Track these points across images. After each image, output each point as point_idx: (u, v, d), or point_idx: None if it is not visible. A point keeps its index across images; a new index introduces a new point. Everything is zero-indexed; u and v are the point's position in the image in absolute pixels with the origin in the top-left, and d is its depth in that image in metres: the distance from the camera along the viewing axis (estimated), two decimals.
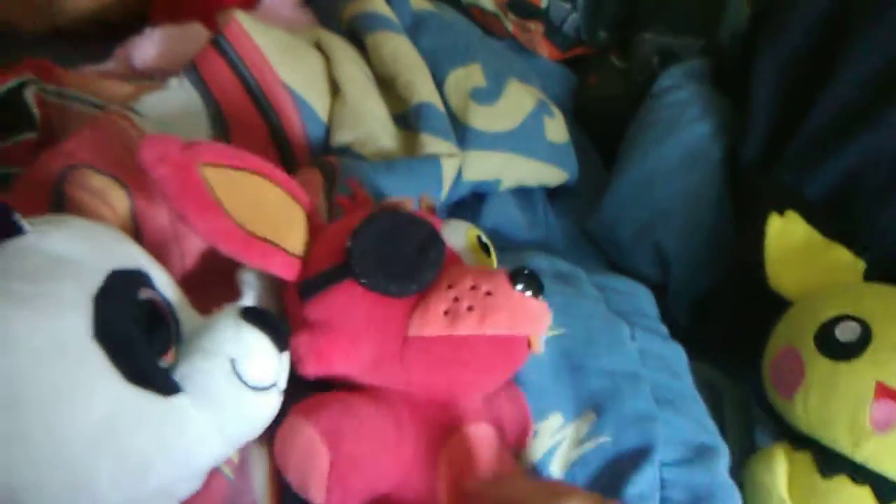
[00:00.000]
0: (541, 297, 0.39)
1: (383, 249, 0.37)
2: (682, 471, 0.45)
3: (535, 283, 0.38)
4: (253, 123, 0.58)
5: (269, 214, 0.38)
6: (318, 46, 0.64)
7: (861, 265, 0.54)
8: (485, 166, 0.63)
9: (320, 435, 0.34)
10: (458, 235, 0.42)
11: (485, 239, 0.43)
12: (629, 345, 0.50)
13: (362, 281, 0.36)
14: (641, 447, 0.45)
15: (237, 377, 0.28)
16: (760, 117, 0.63)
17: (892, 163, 0.55)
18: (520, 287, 0.37)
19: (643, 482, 0.44)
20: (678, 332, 0.57)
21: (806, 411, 0.48)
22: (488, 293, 0.37)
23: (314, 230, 0.40)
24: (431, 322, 0.37)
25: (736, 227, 0.63)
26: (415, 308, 0.37)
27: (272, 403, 0.30)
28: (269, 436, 0.38)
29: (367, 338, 0.37)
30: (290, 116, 0.59)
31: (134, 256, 0.30)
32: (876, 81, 0.56)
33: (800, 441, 0.49)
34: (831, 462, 0.47)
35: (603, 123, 0.80)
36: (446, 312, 0.37)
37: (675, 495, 0.44)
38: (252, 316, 0.29)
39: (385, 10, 0.67)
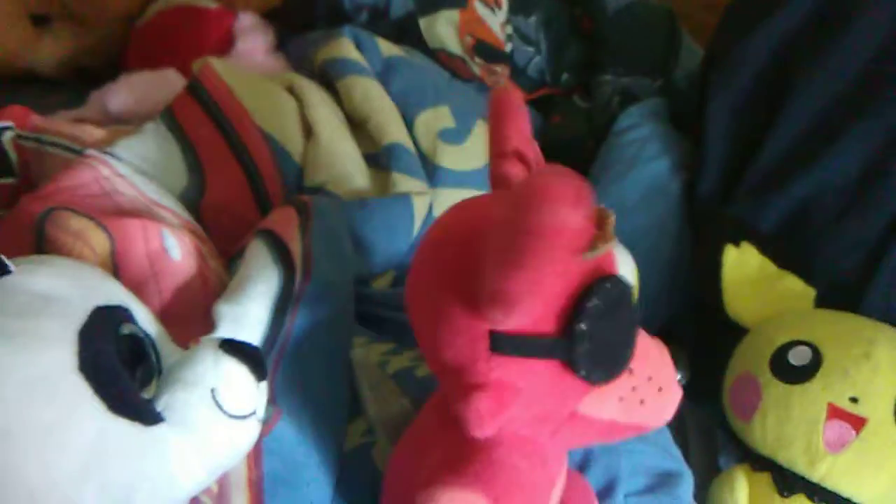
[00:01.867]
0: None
1: (607, 331, 0.33)
2: (646, 499, 0.46)
3: (683, 370, 0.39)
4: (228, 167, 0.60)
5: None
6: (291, 90, 0.66)
7: (812, 292, 0.56)
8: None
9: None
10: (628, 268, 0.36)
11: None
12: None
13: (580, 374, 0.32)
14: (607, 482, 0.46)
15: (217, 406, 0.30)
16: (715, 154, 0.66)
17: (838, 196, 0.58)
18: (678, 378, 0.38)
19: None
20: None
21: (763, 434, 0.50)
22: (660, 389, 0.36)
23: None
24: (606, 407, 0.35)
25: (693, 259, 0.66)
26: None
27: (251, 432, 0.31)
28: (250, 464, 0.40)
29: (540, 406, 0.34)
30: (264, 159, 0.61)
31: (116, 293, 0.31)
32: (820, 121, 0.60)
33: (759, 463, 0.51)
34: (789, 482, 0.49)
35: (567, 161, 0.82)
36: (621, 399, 0.35)
37: None
38: (230, 347, 0.31)
39: (356, 55, 0.69)
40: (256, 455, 0.39)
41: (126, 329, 0.30)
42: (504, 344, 0.32)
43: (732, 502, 0.50)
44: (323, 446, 0.42)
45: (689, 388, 0.62)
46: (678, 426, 0.61)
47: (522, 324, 0.32)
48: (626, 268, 0.35)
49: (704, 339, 0.63)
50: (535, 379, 0.33)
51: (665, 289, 0.67)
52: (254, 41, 0.78)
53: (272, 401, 0.41)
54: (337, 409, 0.45)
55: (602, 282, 0.32)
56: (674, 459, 0.49)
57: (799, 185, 0.60)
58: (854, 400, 0.47)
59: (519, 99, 0.40)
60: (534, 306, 0.31)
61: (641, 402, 0.35)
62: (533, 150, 0.40)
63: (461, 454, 0.34)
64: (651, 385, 0.36)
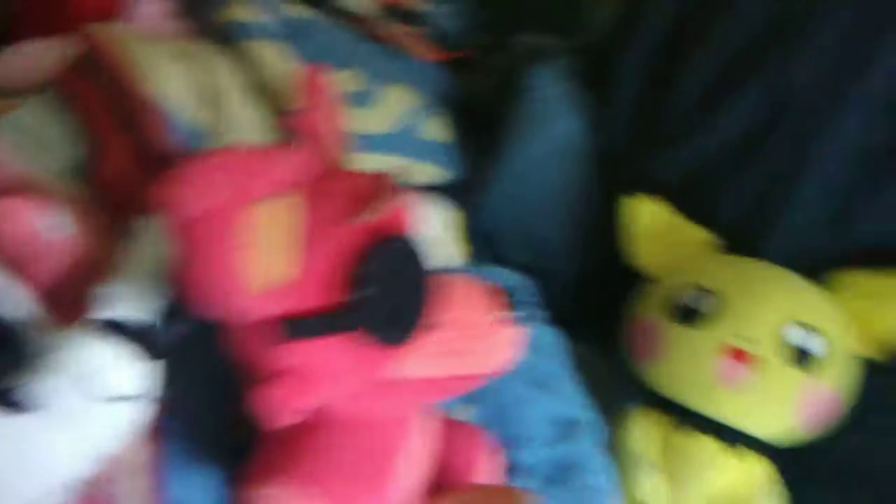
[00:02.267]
0: (519, 319, 0.37)
1: (390, 294, 0.32)
2: (552, 447, 0.48)
3: (517, 309, 0.37)
4: (122, 137, 0.58)
5: (284, 245, 0.31)
6: (190, 55, 0.64)
7: (712, 240, 0.59)
8: (365, 168, 0.64)
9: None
10: (438, 221, 0.40)
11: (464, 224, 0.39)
12: None
13: (374, 337, 0.32)
14: (516, 430, 0.48)
15: (93, 389, 0.29)
16: (621, 110, 0.68)
17: (736, 147, 0.60)
18: (505, 317, 0.36)
19: (518, 462, 0.46)
20: (557, 317, 0.61)
21: (662, 375, 0.52)
22: (476, 335, 0.36)
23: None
24: (416, 366, 0.34)
25: (603, 214, 0.67)
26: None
27: (134, 413, 0.31)
28: (147, 446, 0.39)
29: (347, 381, 0.34)
30: (159, 129, 0.59)
31: None
32: (718, 78, 0.61)
33: (660, 403, 0.53)
34: (687, 419, 0.51)
35: (482, 122, 0.83)
36: (431, 354, 0.35)
37: (546, 471, 0.47)
38: (109, 327, 0.30)
39: (259, 18, 0.67)
40: (152, 436, 0.39)
41: None
42: (292, 328, 0.32)
43: (634, 442, 0.52)
44: (219, 428, 0.41)
45: (603, 342, 0.65)
46: (590, 378, 0.63)
47: (305, 304, 0.31)
48: (429, 221, 0.35)
49: (615, 290, 0.64)
50: (333, 356, 0.32)
51: (576, 245, 0.68)
52: (150, 7, 0.75)
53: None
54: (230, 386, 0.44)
55: (378, 245, 0.31)
56: (578, 407, 0.51)
57: (700, 138, 0.62)
58: (745, 338, 0.49)
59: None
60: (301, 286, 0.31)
61: (456, 352, 0.35)
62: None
63: (278, 448, 0.34)
64: (463, 334, 0.35)
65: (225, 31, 0.67)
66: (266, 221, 0.28)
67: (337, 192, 0.34)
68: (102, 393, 0.29)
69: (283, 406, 0.32)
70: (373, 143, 0.64)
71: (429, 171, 0.70)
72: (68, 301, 0.38)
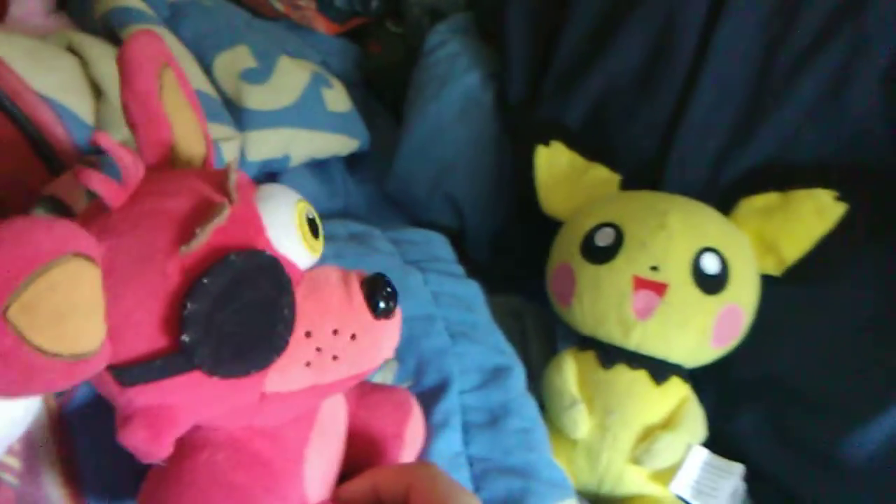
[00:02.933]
0: (396, 308, 0.35)
1: (228, 325, 0.29)
2: (478, 394, 0.48)
3: (393, 297, 0.34)
4: (10, 140, 0.56)
5: (79, 313, 0.27)
6: (72, 49, 0.62)
7: (617, 178, 0.60)
8: (268, 145, 0.63)
9: None
10: (285, 219, 0.33)
11: (312, 214, 0.35)
12: (422, 289, 0.53)
13: (215, 375, 0.29)
14: (439, 381, 0.48)
15: None
16: (518, 59, 0.68)
17: (630, 83, 0.61)
18: (381, 309, 0.33)
19: (443, 412, 0.46)
20: (480, 271, 0.61)
21: (582, 315, 0.53)
22: (353, 336, 0.33)
23: (110, 286, 0.29)
24: (294, 378, 0.32)
25: (514, 165, 0.68)
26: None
27: (26, 402, 0.30)
28: (60, 441, 0.38)
29: (214, 407, 0.32)
30: (51, 126, 0.57)
31: None
32: (603, 15, 0.62)
33: (584, 343, 0.55)
34: (610, 355, 0.53)
35: (391, 88, 0.83)
36: (308, 364, 0.32)
37: (474, 418, 0.47)
38: None
39: (138, 3, 0.65)
40: (64, 429, 0.38)
41: None
42: (126, 376, 0.29)
43: (561, 382, 0.53)
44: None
45: (527, 291, 0.66)
46: (519, 327, 0.64)
47: (132, 351, 0.29)
48: (283, 219, 0.32)
49: (535, 238, 0.65)
50: (184, 391, 0.30)
51: (491, 200, 0.69)
52: (29, 3, 0.72)
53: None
54: None
55: (202, 279, 0.28)
56: (504, 355, 0.51)
57: (594, 78, 0.62)
58: (655, 268, 0.51)
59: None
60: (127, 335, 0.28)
61: (335, 357, 0.32)
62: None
63: (160, 472, 0.33)
64: (339, 338, 0.32)
65: (105, 20, 0.65)
66: (29, 309, 0.24)
67: (157, 216, 0.30)
68: None
69: (146, 445, 0.30)
70: (274, 118, 0.63)
71: (337, 142, 0.70)
72: None
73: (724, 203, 0.56)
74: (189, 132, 0.36)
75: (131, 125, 0.34)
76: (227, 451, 0.34)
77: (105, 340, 0.28)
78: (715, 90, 0.58)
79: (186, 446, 0.34)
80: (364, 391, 0.42)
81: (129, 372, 0.29)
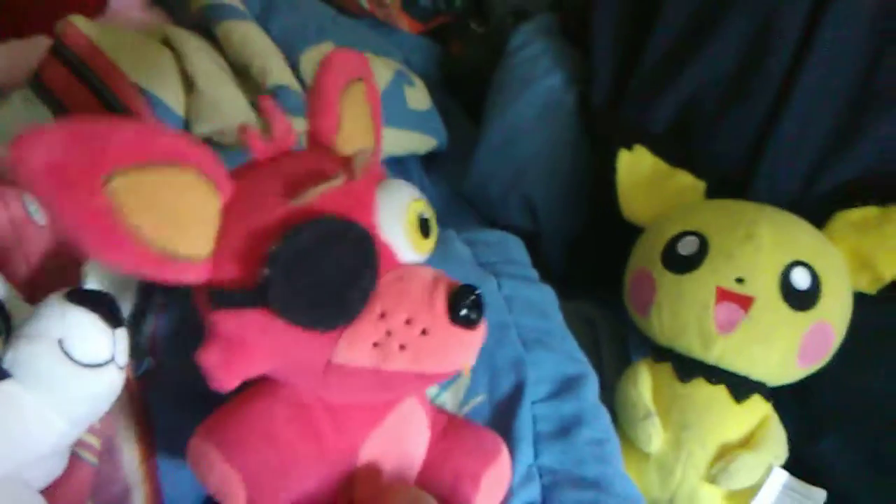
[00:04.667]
0: (479, 321, 0.35)
1: (305, 276, 0.31)
2: (551, 404, 0.47)
3: (476, 310, 0.34)
4: None
5: (182, 218, 0.31)
6: (167, 43, 0.64)
7: (701, 185, 0.58)
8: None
9: (237, 473, 0.32)
10: (397, 209, 0.34)
11: (427, 214, 0.36)
12: (495, 295, 0.53)
13: (282, 318, 0.31)
14: (514, 392, 0.47)
15: (66, 356, 0.29)
16: (603, 62, 0.67)
17: (719, 89, 0.59)
18: (460, 315, 0.33)
19: (519, 425, 0.45)
20: (555, 276, 0.60)
21: (661, 325, 0.51)
22: (424, 332, 0.33)
23: (227, 214, 0.32)
24: (359, 355, 0.33)
25: (594, 168, 0.66)
26: (342, 332, 0.33)
27: (110, 379, 0.31)
28: (140, 419, 0.39)
29: (285, 356, 0.34)
30: (144, 116, 0.59)
31: None
32: (694, 20, 0.60)
33: (661, 354, 0.53)
34: (688, 368, 0.51)
35: (472, 88, 0.82)
36: (376, 345, 0.33)
37: (546, 427, 0.46)
38: (77, 296, 0.30)
39: None
40: (143, 409, 0.39)
41: None
42: (215, 298, 0.32)
43: (637, 395, 0.51)
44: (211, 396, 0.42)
45: (602, 298, 0.65)
46: (592, 335, 0.63)
47: (226, 276, 0.31)
48: (394, 207, 0.34)
49: (611, 247, 0.64)
50: (260, 330, 0.32)
51: (568, 203, 0.68)
52: None
53: (153, 352, 0.40)
54: None
55: (294, 227, 0.31)
56: (578, 364, 0.50)
57: (682, 82, 0.60)
58: (740, 280, 0.49)
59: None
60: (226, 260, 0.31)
61: (402, 347, 0.33)
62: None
63: (223, 408, 0.35)
64: (410, 329, 0.33)
65: (199, 15, 0.67)
66: (134, 189, 0.28)
67: (288, 171, 0.34)
68: (78, 359, 0.29)
69: (216, 370, 0.32)
70: None
71: (416, 140, 0.70)
72: (47, 280, 0.38)
73: (817, 215, 0.53)
74: (356, 138, 0.39)
75: (308, 113, 0.38)
76: (288, 407, 0.35)
77: (203, 257, 0.31)
78: (812, 97, 0.55)
79: (253, 392, 0.36)
80: (454, 424, 0.42)
81: (219, 295, 0.32)
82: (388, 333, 0.33)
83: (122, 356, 0.32)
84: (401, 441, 0.39)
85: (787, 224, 0.51)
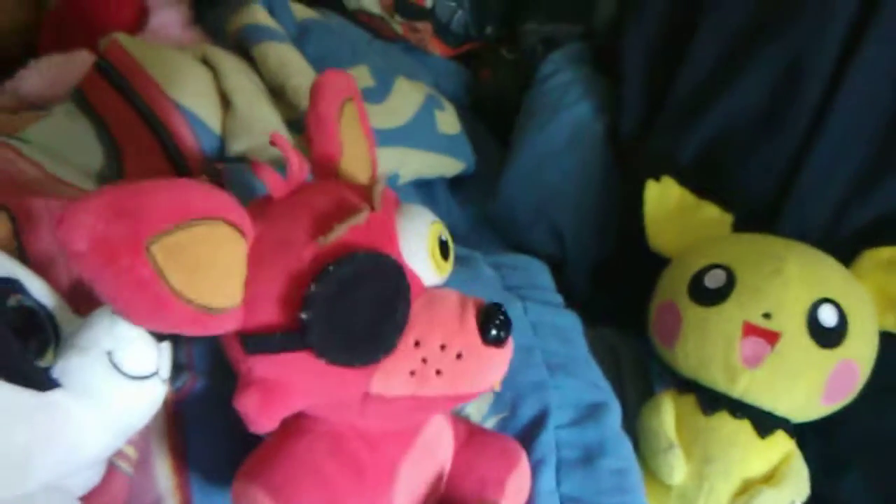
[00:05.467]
0: (508, 339, 0.35)
1: (343, 315, 0.31)
2: (574, 430, 0.47)
3: (505, 327, 0.35)
4: (145, 143, 0.59)
5: (218, 271, 0.31)
6: (206, 61, 0.65)
7: (729, 218, 0.58)
8: (380, 162, 0.65)
9: None
10: (418, 235, 0.35)
11: (445, 236, 0.37)
12: (521, 319, 0.53)
13: (323, 359, 0.32)
14: (537, 415, 0.47)
15: (115, 368, 0.30)
16: (633, 92, 0.67)
17: (749, 122, 0.60)
18: (491, 336, 0.34)
19: (541, 448, 0.46)
20: (578, 303, 0.61)
21: (686, 357, 0.52)
22: (459, 355, 0.34)
23: (254, 259, 0.33)
24: (396, 384, 0.34)
25: (621, 197, 0.67)
26: (378, 364, 0.33)
27: (154, 392, 0.32)
28: (173, 432, 0.40)
29: (323, 393, 0.34)
30: (181, 132, 0.60)
31: (3, 266, 0.31)
32: (725, 53, 0.61)
33: (684, 386, 0.53)
34: (712, 401, 0.51)
35: (499, 113, 0.83)
36: (412, 373, 0.34)
37: (569, 454, 0.46)
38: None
39: (269, 21, 0.69)
40: (177, 421, 0.40)
41: (14, 300, 0.30)
42: (249, 344, 0.33)
43: (659, 425, 0.51)
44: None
45: (625, 326, 0.65)
46: (615, 363, 0.63)
47: (259, 321, 0.32)
48: (416, 234, 0.35)
49: (637, 273, 0.64)
50: (298, 370, 0.33)
51: (595, 230, 0.69)
52: (168, 16, 0.77)
53: (189, 367, 0.41)
54: None
55: (328, 267, 0.31)
56: (601, 391, 0.51)
57: (712, 114, 0.61)
58: (767, 316, 0.49)
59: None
60: (258, 305, 0.31)
61: (438, 372, 0.33)
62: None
63: (263, 448, 0.35)
64: (445, 354, 0.33)
65: (237, 35, 0.69)
66: (172, 252, 0.28)
67: (309, 207, 0.34)
68: (124, 371, 0.30)
69: (255, 414, 0.32)
70: (387, 136, 0.65)
71: (445, 164, 0.71)
72: (89, 289, 0.39)
73: (844, 253, 0.54)
74: (358, 159, 0.40)
75: (308, 140, 0.39)
76: (327, 442, 0.36)
77: (237, 306, 0.32)
78: (842, 134, 0.56)
79: (292, 429, 0.36)
80: (474, 432, 0.43)
81: (253, 340, 0.33)
82: (424, 361, 0.34)
83: (166, 370, 0.32)
84: (432, 455, 0.40)
85: (815, 261, 0.51)
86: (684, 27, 0.64)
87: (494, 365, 0.35)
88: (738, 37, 0.61)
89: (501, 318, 0.34)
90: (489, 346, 0.34)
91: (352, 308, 0.32)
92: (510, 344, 0.36)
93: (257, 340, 0.33)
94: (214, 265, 0.31)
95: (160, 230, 0.28)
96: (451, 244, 0.38)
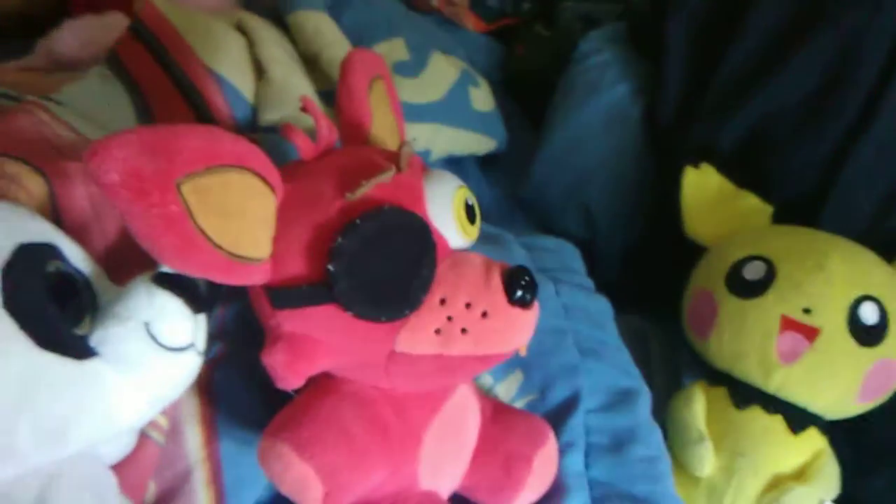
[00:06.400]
0: (533, 301, 0.35)
1: (370, 268, 0.32)
2: (604, 416, 0.47)
3: (531, 289, 0.35)
4: (178, 108, 0.59)
5: (246, 220, 0.32)
6: (240, 28, 0.65)
7: (769, 209, 0.57)
8: (412, 137, 0.64)
9: (314, 471, 0.33)
10: (445, 198, 0.36)
11: (472, 201, 0.38)
12: (553, 301, 0.52)
13: (349, 311, 0.32)
14: (568, 398, 0.47)
15: (152, 339, 0.30)
16: (673, 76, 0.66)
17: (793, 114, 0.58)
18: (516, 296, 0.34)
19: (570, 431, 0.45)
20: (608, 287, 0.60)
21: (720, 348, 0.51)
22: (484, 314, 0.34)
23: (283, 214, 0.33)
24: (422, 342, 0.34)
25: (656, 182, 0.65)
26: (404, 322, 0.33)
27: (190, 363, 0.32)
28: (204, 400, 0.40)
29: (349, 350, 0.34)
30: (215, 99, 0.60)
31: (43, 232, 0.31)
32: (775, 38, 0.59)
33: (717, 377, 0.52)
34: (745, 394, 0.50)
35: (532, 91, 0.82)
36: (438, 331, 0.34)
37: (598, 440, 0.46)
38: (164, 280, 0.31)
39: None
40: (209, 392, 0.40)
41: (53, 266, 0.30)
42: (276, 298, 0.33)
43: (690, 416, 0.51)
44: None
45: (655, 313, 0.64)
46: (643, 349, 0.62)
47: (287, 275, 0.32)
48: (442, 194, 0.35)
49: (668, 261, 0.63)
50: (324, 325, 0.33)
51: (628, 214, 0.67)
52: None
53: (220, 337, 0.41)
54: None
55: (356, 220, 0.31)
56: (632, 378, 0.50)
57: (755, 103, 0.59)
58: (807, 311, 0.48)
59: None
60: (286, 260, 0.32)
61: (463, 331, 0.34)
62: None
63: (290, 407, 0.35)
64: (471, 312, 0.34)
65: (273, 3, 0.68)
66: (202, 193, 0.29)
67: (338, 167, 0.35)
68: (160, 341, 0.30)
69: (282, 369, 0.33)
70: (421, 112, 0.64)
71: (477, 141, 0.70)
72: (127, 258, 0.39)
73: (888, 249, 0.52)
74: (386, 132, 0.41)
75: (338, 109, 0.40)
76: (353, 402, 0.36)
77: (264, 259, 0.32)
78: (891, 127, 0.54)
79: (319, 389, 0.36)
80: (501, 409, 0.43)
81: (280, 294, 0.33)
82: (450, 319, 0.34)
83: (202, 342, 0.32)
84: (458, 426, 0.40)
85: (858, 257, 0.50)
86: (731, 9, 0.62)
87: (519, 326, 0.35)
88: (789, 20, 0.59)
89: (527, 279, 0.34)
90: (514, 306, 0.34)
91: (378, 262, 0.32)
92: (536, 308, 0.36)
93: (285, 294, 0.33)
94: (243, 213, 0.31)
95: (191, 170, 0.29)
96: (477, 209, 0.38)
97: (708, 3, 0.64)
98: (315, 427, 0.34)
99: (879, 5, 0.53)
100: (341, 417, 0.35)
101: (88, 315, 0.30)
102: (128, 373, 0.30)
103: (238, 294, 0.43)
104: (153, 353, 0.30)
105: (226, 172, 0.30)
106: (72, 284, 0.30)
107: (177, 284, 0.31)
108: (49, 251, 0.30)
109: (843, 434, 0.52)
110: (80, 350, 0.28)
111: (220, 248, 0.30)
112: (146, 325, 0.30)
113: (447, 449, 0.39)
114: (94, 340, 0.29)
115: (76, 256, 0.32)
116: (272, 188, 0.33)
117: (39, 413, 0.27)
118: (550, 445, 0.42)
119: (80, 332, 0.29)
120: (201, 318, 0.32)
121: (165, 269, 0.31)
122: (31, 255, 0.28)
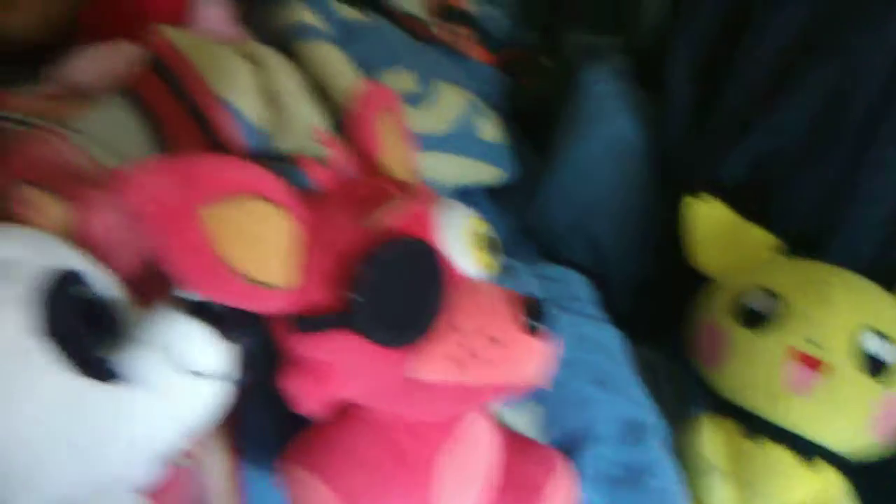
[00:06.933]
0: (545, 330, 0.36)
1: (388, 296, 0.33)
2: (617, 447, 0.47)
3: (541, 317, 0.35)
4: (190, 136, 0.59)
5: (265, 247, 0.33)
6: (249, 58, 0.65)
7: (775, 241, 0.57)
8: (421, 168, 0.65)
9: (335, 495, 0.34)
10: (457, 227, 0.37)
11: (484, 229, 0.39)
12: (565, 332, 0.52)
13: (370, 338, 0.33)
14: (582, 429, 0.47)
15: (179, 365, 0.30)
16: (677, 107, 0.67)
17: (797, 143, 0.59)
18: (529, 327, 0.35)
19: (584, 462, 0.46)
20: (619, 318, 0.60)
21: (728, 380, 0.51)
22: (496, 341, 0.35)
23: (308, 243, 0.35)
24: (434, 369, 0.35)
25: (664, 214, 0.66)
26: (416, 348, 0.34)
27: (218, 390, 0.32)
28: (228, 430, 0.40)
29: (365, 377, 0.35)
30: (227, 130, 0.60)
31: (69, 258, 0.31)
32: (775, 68, 0.60)
33: (725, 408, 0.52)
34: (753, 425, 0.50)
35: (538, 122, 0.83)
36: (451, 358, 0.35)
37: (612, 471, 0.46)
38: (192, 307, 0.31)
39: (313, 20, 0.68)
40: (235, 420, 0.39)
41: (83, 292, 0.30)
42: (298, 324, 0.34)
43: (700, 446, 0.51)
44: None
45: (664, 344, 0.64)
46: (653, 381, 0.62)
47: (305, 301, 0.34)
48: (454, 224, 0.36)
49: (676, 292, 0.64)
50: (341, 351, 0.34)
51: (634, 244, 0.68)
52: (213, 10, 0.77)
53: (247, 365, 0.41)
54: None
55: (382, 249, 0.33)
56: (644, 409, 0.50)
57: (759, 134, 0.61)
58: (813, 342, 0.48)
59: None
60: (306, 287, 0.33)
61: (474, 357, 0.34)
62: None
63: (309, 432, 0.37)
64: (482, 339, 0.34)
65: (282, 33, 0.69)
66: (221, 221, 0.30)
67: (353, 196, 0.37)
68: (188, 367, 0.30)
69: (299, 394, 0.34)
70: (429, 142, 0.65)
71: (485, 171, 0.70)
72: (151, 283, 0.39)
73: (892, 281, 0.53)
74: (397, 162, 0.42)
75: (349, 143, 0.41)
76: (372, 427, 0.37)
77: (283, 286, 0.34)
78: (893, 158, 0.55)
79: (338, 415, 0.37)
80: (514, 438, 0.43)
81: (302, 320, 0.34)
82: (461, 345, 0.35)
83: (230, 369, 0.32)
84: (472, 453, 0.40)
85: (865, 290, 0.51)
86: (732, 43, 0.63)
87: (531, 354, 0.36)
88: (788, 54, 0.60)
89: (537, 308, 0.35)
90: (526, 334, 0.35)
91: (395, 290, 0.34)
92: (549, 338, 0.36)
93: (306, 321, 0.34)
94: (262, 241, 0.33)
95: (213, 199, 0.30)
96: (493, 239, 0.39)
97: (710, 36, 0.66)
98: (335, 452, 0.35)
99: (876, 39, 0.54)
100: (360, 442, 0.36)
101: (113, 339, 0.30)
102: (155, 398, 0.30)
103: (264, 322, 0.44)
104: (180, 378, 0.30)
105: (246, 201, 0.32)
106: (97, 308, 0.31)
107: (203, 311, 0.31)
108: (78, 277, 0.30)
109: (861, 471, 0.52)
110: (109, 374, 0.29)
111: (239, 274, 0.31)
112: (172, 349, 0.30)
113: (461, 475, 0.40)
114: (123, 365, 0.29)
115: (101, 281, 0.32)
116: (295, 217, 0.34)
117: (69, 437, 0.27)
118: (563, 475, 0.42)
119: (105, 355, 0.30)
120: (229, 346, 0.32)
121: (190, 295, 0.32)
122: (63, 282, 0.29)
